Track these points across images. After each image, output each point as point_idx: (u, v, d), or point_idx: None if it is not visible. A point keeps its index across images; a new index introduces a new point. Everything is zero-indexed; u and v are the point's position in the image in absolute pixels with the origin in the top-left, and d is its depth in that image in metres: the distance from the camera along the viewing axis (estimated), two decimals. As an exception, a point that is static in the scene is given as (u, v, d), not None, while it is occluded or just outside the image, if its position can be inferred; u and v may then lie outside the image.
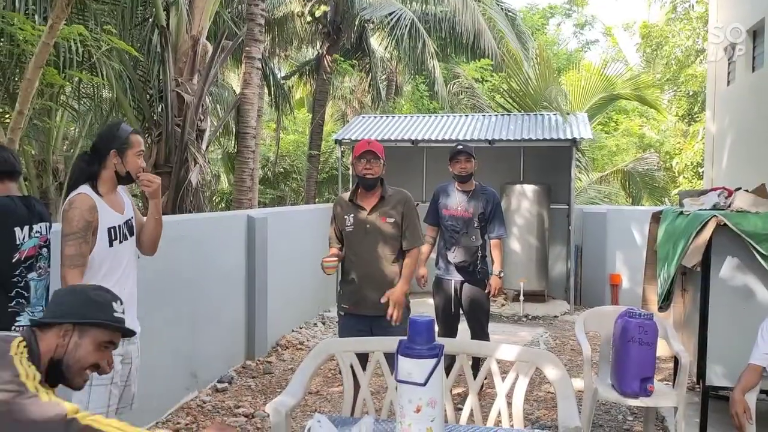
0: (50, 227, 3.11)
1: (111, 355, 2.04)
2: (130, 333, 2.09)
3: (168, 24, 7.88)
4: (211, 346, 5.71)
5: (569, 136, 8.93)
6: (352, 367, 3.21)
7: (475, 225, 5.08)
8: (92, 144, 3.16)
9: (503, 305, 9.23)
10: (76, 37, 5.97)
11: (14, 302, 2.87)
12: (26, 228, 2.91)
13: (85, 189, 3.01)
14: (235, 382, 5.80)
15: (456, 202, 5.12)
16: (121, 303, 2.07)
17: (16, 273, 2.87)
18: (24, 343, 1.84)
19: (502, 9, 16.70)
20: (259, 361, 6.40)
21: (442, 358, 2.11)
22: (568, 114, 10.13)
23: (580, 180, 15.09)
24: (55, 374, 1.89)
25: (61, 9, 4.52)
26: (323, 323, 8.12)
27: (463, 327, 5.30)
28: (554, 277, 9.89)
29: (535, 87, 12.58)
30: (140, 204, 6.50)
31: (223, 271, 5.90)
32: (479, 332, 5.13)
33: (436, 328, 3.07)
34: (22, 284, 2.89)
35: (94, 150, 3.11)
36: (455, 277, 5.12)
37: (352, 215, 4.05)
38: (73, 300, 1.98)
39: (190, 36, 7.93)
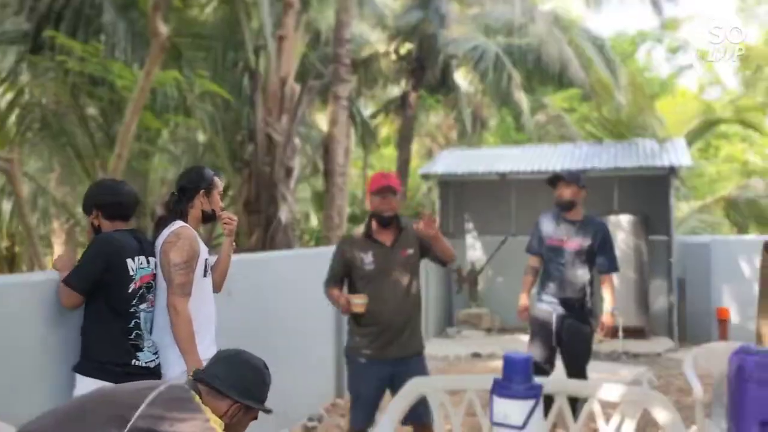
0: (155, 262, 3.19)
1: None
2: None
3: (257, 67, 8.12)
4: (301, 383, 5.66)
5: (666, 164, 8.52)
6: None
7: (583, 259, 4.70)
8: (179, 185, 3.28)
9: (601, 342, 8.78)
10: (172, 83, 6.23)
11: (133, 334, 2.95)
12: (137, 259, 3.01)
13: (182, 223, 3.15)
14: (325, 420, 5.72)
15: (561, 232, 4.74)
16: None
17: (133, 303, 2.97)
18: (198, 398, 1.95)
19: (588, 37, 16.36)
20: (348, 399, 6.31)
21: (541, 398, 1.96)
22: (664, 140, 9.69)
23: (680, 209, 14.39)
24: None
25: (155, 55, 4.71)
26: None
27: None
28: (655, 313, 9.36)
29: (628, 114, 12.16)
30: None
31: (312, 307, 5.87)
32: (577, 372, 4.78)
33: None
34: (137, 316, 2.98)
35: (181, 190, 3.24)
36: (557, 311, 4.74)
37: (371, 252, 3.77)
38: (252, 378, 2.12)
39: (278, 78, 8.14)
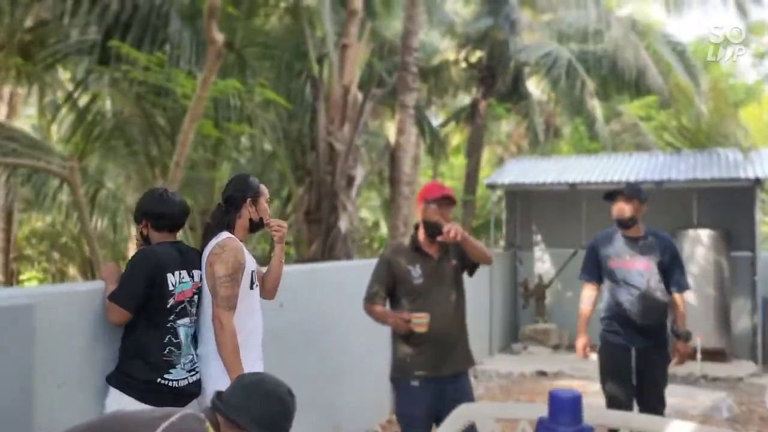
0: (200, 275, 3.13)
1: None
2: None
3: (321, 76, 8.09)
4: (356, 398, 5.54)
5: (751, 175, 8.00)
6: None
7: (657, 279, 4.23)
8: (225, 195, 3.24)
9: (677, 363, 8.31)
10: (233, 92, 6.24)
11: (167, 350, 2.89)
12: (177, 274, 2.96)
13: (228, 234, 3.10)
14: (380, 437, 5.57)
15: (625, 251, 4.30)
16: None
17: (170, 319, 2.92)
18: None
19: (667, 42, 15.70)
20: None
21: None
22: (748, 150, 9.11)
23: (766, 224, 13.56)
24: None
25: (212, 63, 4.69)
26: (475, 377, 7.71)
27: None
28: (737, 334, 8.78)
29: (709, 122, 11.53)
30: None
31: (368, 320, 5.74)
32: (657, 400, 4.32)
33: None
34: (173, 331, 2.93)
35: (228, 200, 3.20)
36: (636, 343, 4.23)
37: (419, 265, 3.58)
38: (275, 410, 1.95)
39: (341, 86, 8.09)
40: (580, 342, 4.41)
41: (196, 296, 3.07)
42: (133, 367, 2.84)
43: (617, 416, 2.78)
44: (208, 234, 3.16)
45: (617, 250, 4.33)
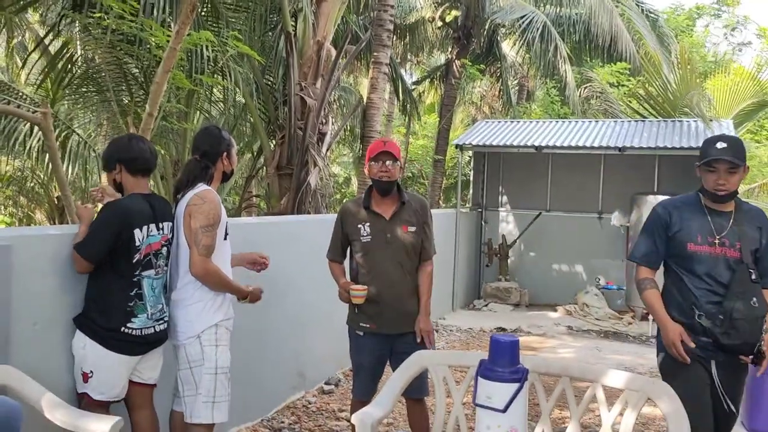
0: (173, 226, 3.21)
1: None
2: None
3: (295, 30, 8.09)
4: (320, 347, 5.73)
5: (710, 145, 8.24)
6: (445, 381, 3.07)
7: (753, 276, 3.02)
8: (202, 150, 3.29)
9: (630, 324, 8.69)
10: (206, 44, 6.25)
11: (131, 301, 2.98)
12: (145, 228, 3.04)
13: (207, 186, 3.20)
14: (342, 385, 5.80)
15: (708, 229, 3.08)
16: None
17: (136, 273, 3.00)
18: None
19: (642, 10, 15.83)
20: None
21: (526, 383, 1.94)
22: (711, 120, 9.37)
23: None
24: None
25: (186, 15, 4.72)
26: (436, 331, 7.99)
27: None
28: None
29: (675, 92, 11.77)
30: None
31: (334, 273, 5.91)
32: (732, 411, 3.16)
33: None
34: (137, 283, 3.01)
35: (205, 155, 3.28)
36: (716, 356, 3.06)
37: (368, 224, 3.63)
38: None
39: (314, 41, 8.10)
40: (675, 329, 3.05)
41: (164, 248, 3.14)
42: (97, 314, 2.96)
43: (557, 363, 3.00)
44: (184, 186, 3.23)
45: (698, 227, 3.12)
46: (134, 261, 2.99)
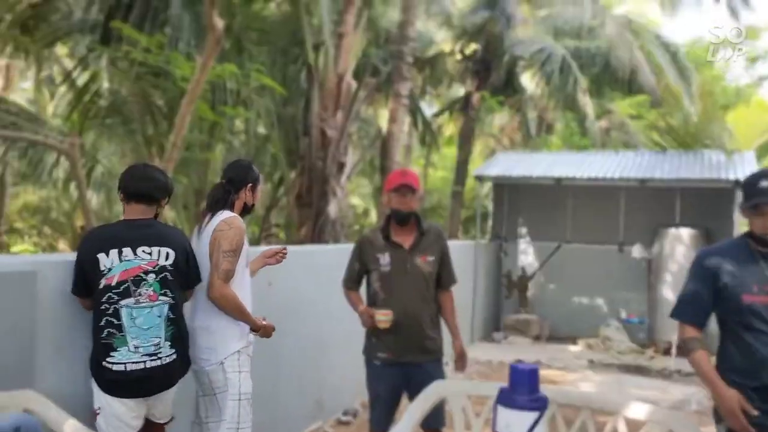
0: (174, 253, 3.00)
1: None
2: None
3: (316, 63, 8.22)
4: (339, 376, 5.71)
5: (732, 177, 8.20)
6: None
7: None
8: (228, 176, 3.38)
9: (652, 358, 8.56)
10: (230, 77, 6.38)
11: (104, 332, 2.80)
12: (114, 252, 2.83)
13: (233, 213, 3.27)
14: (359, 416, 5.75)
15: (764, 277, 2.74)
16: None
17: (103, 300, 2.80)
18: None
19: (661, 43, 15.88)
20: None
21: (545, 413, 1.92)
22: (732, 152, 9.33)
23: (745, 224, 13.81)
24: None
25: (211, 48, 4.83)
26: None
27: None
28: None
29: (696, 124, 11.75)
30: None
31: (353, 303, 5.91)
32: None
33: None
34: (110, 312, 2.80)
35: (230, 182, 3.35)
36: None
37: (388, 253, 3.63)
38: None
39: (336, 74, 8.22)
40: (733, 398, 2.68)
41: (151, 275, 2.89)
42: (92, 348, 2.88)
43: (578, 394, 2.97)
44: (211, 208, 3.30)
45: (750, 274, 2.77)
46: (100, 287, 2.79)
